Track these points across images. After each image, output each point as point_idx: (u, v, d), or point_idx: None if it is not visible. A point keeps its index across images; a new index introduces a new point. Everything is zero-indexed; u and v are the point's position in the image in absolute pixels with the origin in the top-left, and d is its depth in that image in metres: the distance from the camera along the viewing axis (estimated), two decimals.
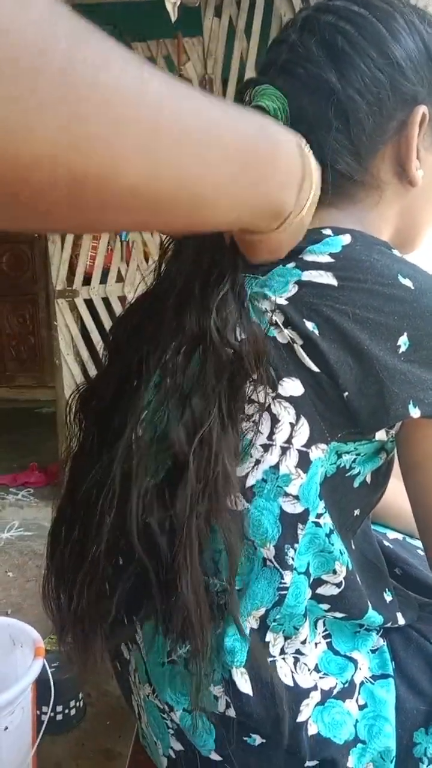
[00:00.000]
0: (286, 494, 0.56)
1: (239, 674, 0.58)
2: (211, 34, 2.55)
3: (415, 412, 0.54)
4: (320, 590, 0.61)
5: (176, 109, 0.34)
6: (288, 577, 0.57)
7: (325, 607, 0.62)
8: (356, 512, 0.64)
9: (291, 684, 0.59)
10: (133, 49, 2.56)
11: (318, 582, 0.60)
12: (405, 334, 0.54)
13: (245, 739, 0.60)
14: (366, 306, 0.54)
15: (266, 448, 0.56)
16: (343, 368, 0.54)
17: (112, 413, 0.68)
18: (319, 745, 0.60)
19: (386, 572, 0.71)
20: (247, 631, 0.58)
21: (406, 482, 0.61)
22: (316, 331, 0.54)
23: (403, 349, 0.54)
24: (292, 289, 0.56)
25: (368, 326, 0.54)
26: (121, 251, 2.76)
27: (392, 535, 0.89)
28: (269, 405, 0.55)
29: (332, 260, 0.56)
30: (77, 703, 1.58)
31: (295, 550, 0.57)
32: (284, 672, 0.60)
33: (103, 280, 2.79)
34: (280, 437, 0.55)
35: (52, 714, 1.48)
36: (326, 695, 0.61)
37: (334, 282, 0.55)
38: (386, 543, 0.85)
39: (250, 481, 0.56)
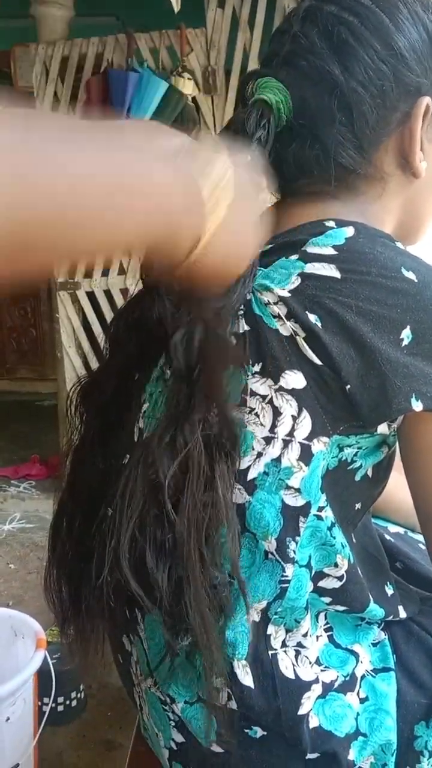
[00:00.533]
0: (288, 487, 0.56)
1: (240, 667, 0.58)
2: (215, 24, 2.53)
3: (417, 406, 0.54)
4: (322, 583, 0.61)
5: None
6: (289, 570, 0.57)
7: (327, 600, 0.62)
8: (357, 506, 0.64)
9: (292, 677, 0.60)
10: (136, 40, 2.56)
11: (319, 575, 0.60)
12: (408, 327, 0.54)
13: (246, 731, 0.60)
14: (369, 299, 0.54)
15: (268, 440, 0.56)
16: (346, 361, 0.53)
17: (113, 406, 0.68)
18: (320, 737, 0.60)
19: (387, 566, 0.71)
20: (249, 624, 0.58)
21: (408, 476, 0.61)
22: (319, 324, 0.54)
23: (405, 342, 0.54)
24: (295, 281, 0.56)
25: (371, 319, 0.53)
26: None
27: (393, 528, 0.89)
28: (271, 398, 0.55)
29: (335, 252, 0.56)
30: (78, 695, 1.59)
31: (296, 543, 0.57)
32: (285, 665, 0.60)
33: (105, 272, 2.79)
34: (282, 430, 0.55)
35: (54, 705, 1.49)
36: (327, 688, 0.61)
37: (337, 274, 0.55)
38: (387, 537, 0.85)
39: (252, 474, 0.56)
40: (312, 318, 0.54)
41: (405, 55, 0.60)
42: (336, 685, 0.62)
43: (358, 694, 0.63)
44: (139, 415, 0.64)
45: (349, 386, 0.54)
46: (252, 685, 0.58)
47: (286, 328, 0.55)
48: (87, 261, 0.40)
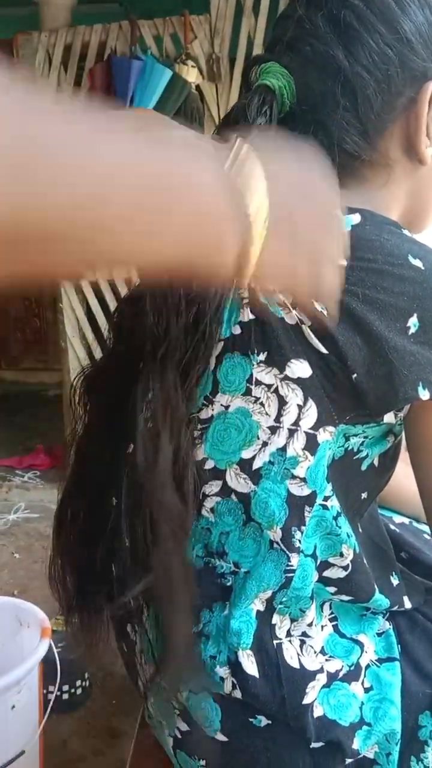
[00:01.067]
0: (294, 477, 0.55)
1: (245, 656, 0.58)
2: (219, 11, 2.51)
3: (424, 394, 0.53)
4: (327, 573, 0.61)
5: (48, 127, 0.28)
6: (295, 559, 0.57)
7: (332, 590, 0.62)
8: (364, 495, 0.63)
9: (297, 666, 0.59)
10: (140, 27, 2.54)
11: (325, 565, 0.60)
12: (415, 315, 0.53)
13: (251, 720, 0.60)
14: (375, 286, 0.53)
15: (273, 430, 0.55)
16: (352, 349, 0.53)
17: (117, 395, 0.67)
18: (324, 726, 0.60)
19: (393, 556, 0.71)
20: (254, 614, 0.58)
21: (414, 465, 0.60)
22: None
23: (412, 330, 0.53)
24: None
25: (378, 307, 0.53)
26: None
27: (398, 519, 0.89)
28: (277, 387, 0.55)
29: None
30: (83, 683, 1.60)
31: (302, 533, 0.56)
32: (290, 654, 0.60)
33: None
34: (288, 419, 0.55)
35: (59, 693, 1.50)
36: (332, 678, 0.61)
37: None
38: (392, 527, 0.85)
39: (257, 464, 0.56)
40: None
41: (411, 39, 0.59)
42: (341, 674, 0.62)
43: (362, 683, 0.63)
44: (143, 404, 0.64)
45: (355, 375, 0.53)
46: (257, 675, 0.58)
47: (291, 316, 0.55)
48: (114, 269, 0.36)
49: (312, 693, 0.60)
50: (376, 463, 0.62)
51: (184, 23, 2.52)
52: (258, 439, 0.56)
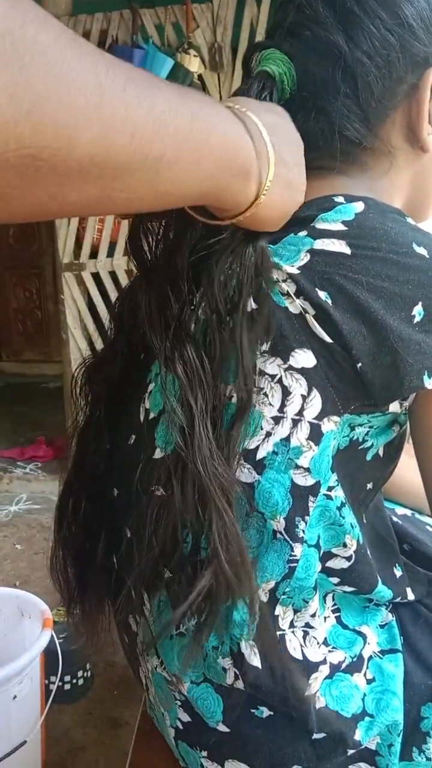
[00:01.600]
0: (297, 467, 0.55)
1: (248, 647, 0.58)
2: (221, 0, 2.49)
3: (429, 384, 0.53)
4: (330, 564, 0.60)
5: (111, 67, 0.34)
6: (298, 549, 0.56)
7: (335, 580, 0.62)
8: (369, 486, 0.63)
9: (300, 657, 0.59)
10: (141, 15, 2.52)
11: (328, 555, 0.60)
12: (420, 303, 0.53)
13: (253, 711, 0.60)
14: (380, 275, 0.53)
15: (277, 420, 0.55)
16: (357, 338, 0.52)
17: (119, 386, 0.67)
18: (326, 717, 0.60)
19: (397, 547, 0.71)
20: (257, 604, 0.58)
21: (418, 456, 0.60)
22: (329, 301, 0.53)
23: (417, 319, 0.53)
24: (304, 258, 0.55)
25: (382, 295, 0.52)
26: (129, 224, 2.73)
27: (401, 510, 0.89)
28: (280, 377, 0.54)
29: (345, 228, 0.55)
30: (85, 674, 1.61)
31: (305, 523, 0.56)
32: (293, 645, 0.59)
33: (111, 253, 2.77)
34: (292, 409, 0.54)
35: (61, 684, 1.50)
36: (335, 669, 0.61)
37: (347, 250, 0.54)
38: (395, 519, 0.84)
39: (261, 454, 0.56)
40: (322, 295, 0.53)
41: (412, 24, 0.58)
42: (343, 666, 0.62)
43: (365, 675, 0.63)
44: (145, 395, 0.64)
45: (360, 364, 0.53)
46: (259, 666, 0.58)
47: (295, 305, 0.54)
48: (144, 207, 0.43)
49: (314, 684, 0.60)
50: (381, 453, 0.61)
51: (186, 12, 2.50)
52: (262, 429, 0.55)
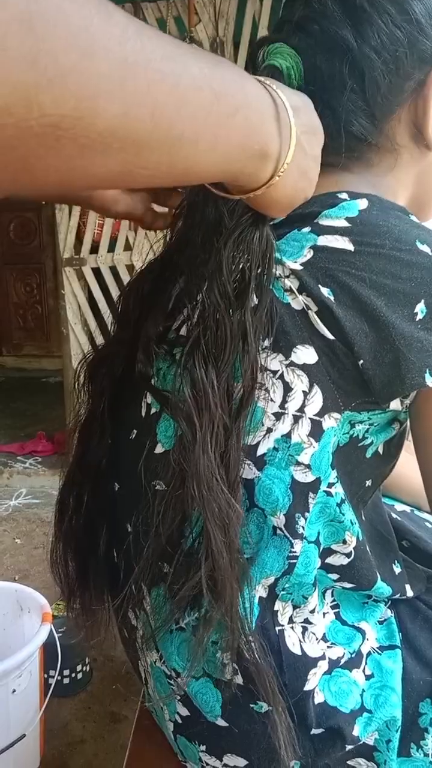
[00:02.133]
0: (298, 463, 0.55)
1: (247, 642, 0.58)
2: None
3: (431, 381, 0.53)
4: (330, 560, 0.61)
5: (139, 38, 0.34)
6: (298, 545, 0.57)
7: (335, 577, 0.62)
8: (368, 483, 0.63)
9: (299, 653, 0.59)
10: (143, 9, 2.51)
11: (328, 551, 0.60)
12: (422, 301, 0.53)
13: (252, 706, 0.60)
14: (383, 272, 0.53)
15: (278, 416, 0.55)
16: (359, 335, 0.52)
17: (120, 381, 0.67)
18: (325, 713, 0.60)
19: (396, 544, 0.71)
20: (256, 600, 0.58)
21: (418, 453, 0.60)
22: (332, 297, 0.53)
23: (420, 316, 0.53)
24: (307, 254, 0.55)
25: (385, 293, 0.52)
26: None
27: (400, 507, 0.89)
28: (282, 373, 0.54)
29: (349, 225, 0.55)
30: (84, 668, 1.61)
31: (305, 519, 0.56)
32: (292, 641, 0.60)
33: (111, 248, 2.77)
34: (293, 406, 0.54)
35: (60, 678, 1.51)
36: (333, 665, 0.61)
37: (350, 247, 0.54)
38: (394, 515, 0.84)
39: (262, 450, 0.56)
40: (324, 291, 0.53)
41: (421, 20, 0.58)
42: (342, 661, 0.62)
43: (363, 670, 0.63)
44: (149, 389, 0.64)
45: (361, 361, 0.53)
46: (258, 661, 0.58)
47: (297, 302, 0.54)
48: (168, 182, 0.42)
49: (313, 680, 0.60)
50: (380, 450, 0.62)
51: (188, 6, 2.49)
52: (263, 425, 0.56)
